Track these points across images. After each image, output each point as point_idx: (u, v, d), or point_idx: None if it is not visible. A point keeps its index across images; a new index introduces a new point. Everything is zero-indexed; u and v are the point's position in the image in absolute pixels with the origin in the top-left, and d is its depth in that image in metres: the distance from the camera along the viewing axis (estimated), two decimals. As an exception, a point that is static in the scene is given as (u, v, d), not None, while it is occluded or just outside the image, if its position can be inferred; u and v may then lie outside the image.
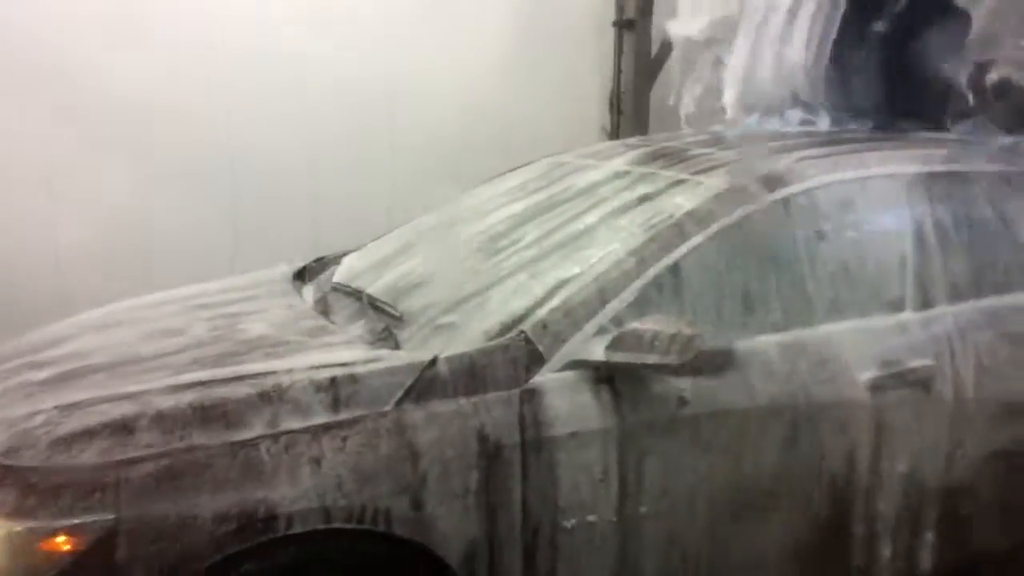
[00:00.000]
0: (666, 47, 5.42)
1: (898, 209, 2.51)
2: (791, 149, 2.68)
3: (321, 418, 1.97)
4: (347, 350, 2.18)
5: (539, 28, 5.38)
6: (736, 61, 3.58)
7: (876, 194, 2.52)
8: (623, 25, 5.63)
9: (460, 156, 4.79)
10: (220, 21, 4.54)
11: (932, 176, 2.58)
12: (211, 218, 4.54)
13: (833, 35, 3.42)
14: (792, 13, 3.53)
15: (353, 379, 2.02)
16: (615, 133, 5.77)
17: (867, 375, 2.34)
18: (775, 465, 2.27)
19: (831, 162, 2.56)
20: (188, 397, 1.97)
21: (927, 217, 2.52)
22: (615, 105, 5.80)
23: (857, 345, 2.36)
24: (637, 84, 5.69)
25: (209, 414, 1.94)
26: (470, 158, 4.32)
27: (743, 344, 2.27)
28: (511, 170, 3.13)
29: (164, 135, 4.44)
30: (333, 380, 2.01)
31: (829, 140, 2.89)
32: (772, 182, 2.44)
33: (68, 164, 4.33)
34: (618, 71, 5.77)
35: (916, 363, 2.39)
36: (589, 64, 5.71)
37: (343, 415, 1.98)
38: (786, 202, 2.43)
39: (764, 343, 2.31)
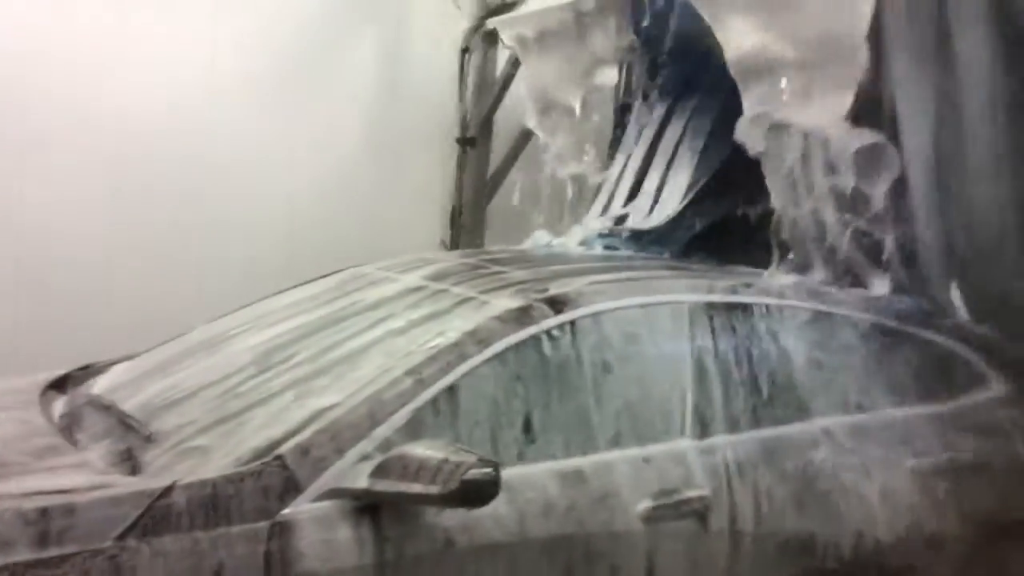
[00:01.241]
0: (505, 163, 5.58)
1: (681, 337, 2.52)
2: (583, 272, 2.67)
3: (24, 555, 1.71)
4: (74, 475, 1.93)
5: (386, 141, 5.38)
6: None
7: (660, 321, 2.52)
8: (465, 142, 5.75)
9: (293, 263, 4.63)
10: (56, 98, 4.25)
11: (715, 306, 2.61)
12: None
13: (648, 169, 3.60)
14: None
15: (69, 510, 1.78)
16: (454, 246, 5.81)
17: (643, 506, 2.27)
18: (547, 604, 2.14)
19: (619, 287, 2.56)
20: None
21: (709, 346, 2.54)
22: (455, 219, 5.87)
23: (635, 474, 2.30)
24: (476, 199, 5.80)
25: None
26: (304, 266, 4.15)
27: (519, 472, 2.17)
28: (309, 280, 3.00)
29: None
30: (44, 511, 1.77)
31: (623, 266, 2.91)
32: (557, 304, 2.41)
33: None
34: (459, 186, 5.87)
35: (692, 493, 2.35)
36: (433, 178, 5.74)
37: (51, 552, 1.73)
38: (571, 325, 2.39)
39: (541, 471, 2.22)
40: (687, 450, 2.41)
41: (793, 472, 2.48)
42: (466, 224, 5.82)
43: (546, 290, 2.46)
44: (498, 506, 2.05)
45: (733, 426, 2.48)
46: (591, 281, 2.55)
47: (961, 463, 2.77)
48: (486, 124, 5.68)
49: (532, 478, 2.19)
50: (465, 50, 5.51)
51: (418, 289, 2.63)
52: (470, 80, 5.67)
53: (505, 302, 2.41)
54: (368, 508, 1.99)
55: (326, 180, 5.11)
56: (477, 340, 2.27)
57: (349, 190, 5.16)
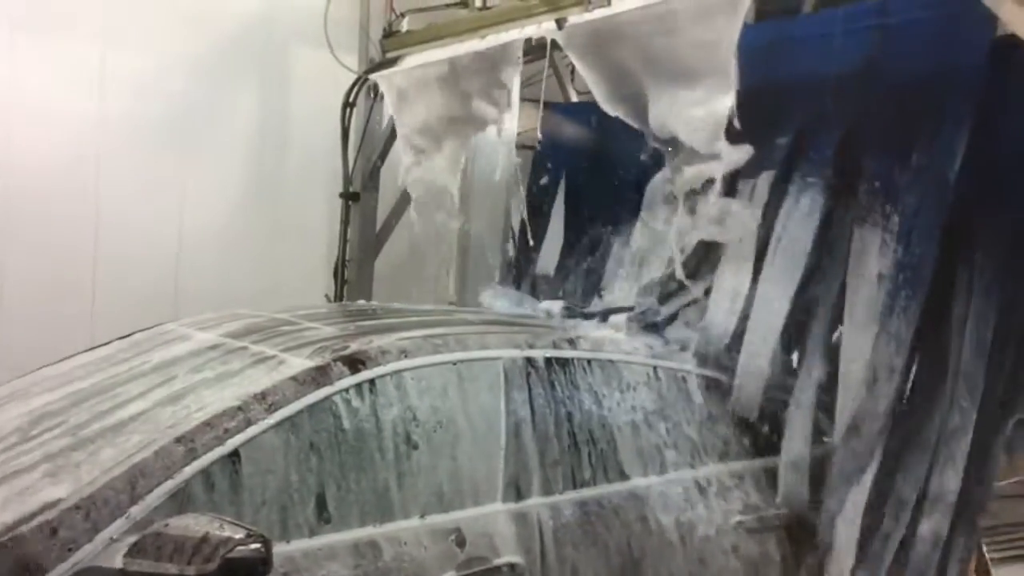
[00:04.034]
0: (392, 218, 5.50)
1: (495, 395, 2.40)
2: (394, 329, 2.54)
3: None
4: None
5: (273, 192, 5.33)
6: None
7: (471, 379, 2.39)
8: (349, 197, 5.67)
9: (182, 306, 4.46)
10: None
11: (533, 362, 2.50)
12: None
13: None
14: None
15: None
16: (339, 300, 5.69)
17: None
18: None
19: (429, 344, 2.43)
20: None
21: (525, 404, 2.43)
22: (339, 273, 5.76)
23: (439, 544, 2.16)
24: (362, 254, 5.71)
25: None
26: (192, 310, 4.00)
27: (305, 547, 2.01)
28: (114, 339, 2.81)
29: None
30: None
31: (442, 321, 2.79)
32: (356, 363, 2.27)
33: None
34: (343, 241, 5.78)
35: (502, 561, 2.21)
36: (320, 231, 5.65)
37: None
38: (370, 385, 2.25)
39: (331, 546, 2.05)
40: (498, 515, 2.28)
41: (614, 535, 2.37)
42: (353, 278, 5.73)
43: (346, 347, 2.33)
44: (272, 585, 1.88)
45: (550, 489, 2.37)
46: (399, 337, 2.42)
47: (792, 517, 2.70)
48: (372, 178, 5.63)
49: (321, 554, 2.03)
50: (348, 104, 5.44)
51: (214, 347, 2.47)
52: (354, 135, 5.62)
53: (299, 361, 2.26)
54: (124, 592, 1.81)
55: (215, 225, 5.07)
56: (265, 404, 2.11)
57: (238, 238, 5.11)
